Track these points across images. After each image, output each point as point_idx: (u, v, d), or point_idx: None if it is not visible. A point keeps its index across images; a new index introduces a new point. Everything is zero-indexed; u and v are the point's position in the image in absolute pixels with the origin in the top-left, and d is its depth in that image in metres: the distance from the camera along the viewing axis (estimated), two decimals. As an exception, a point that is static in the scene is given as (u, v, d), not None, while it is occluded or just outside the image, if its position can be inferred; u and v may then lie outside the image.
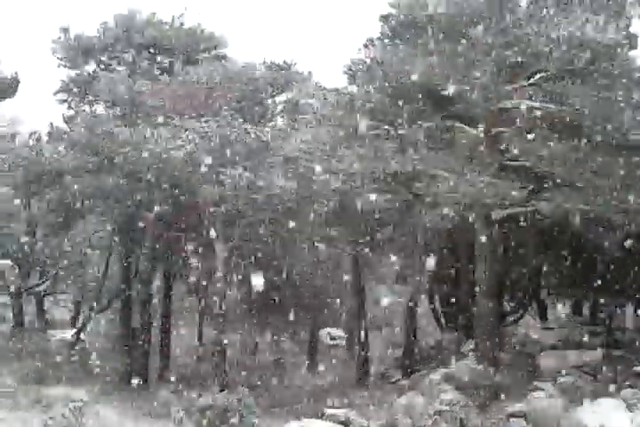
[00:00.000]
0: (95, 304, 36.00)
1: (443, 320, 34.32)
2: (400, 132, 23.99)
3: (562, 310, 35.15)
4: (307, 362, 36.71)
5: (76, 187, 28.27)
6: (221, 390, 23.19)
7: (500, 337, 26.41)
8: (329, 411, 20.59)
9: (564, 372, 23.05)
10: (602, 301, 29.25)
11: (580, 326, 28.79)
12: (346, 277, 34.69)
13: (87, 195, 28.74)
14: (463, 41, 22.21)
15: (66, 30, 32.82)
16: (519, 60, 21.79)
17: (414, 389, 22.78)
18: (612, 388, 21.08)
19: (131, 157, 26.70)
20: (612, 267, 25.86)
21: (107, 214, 31.09)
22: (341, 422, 19.65)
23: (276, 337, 39.38)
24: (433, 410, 18.27)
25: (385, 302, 36.92)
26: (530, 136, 21.89)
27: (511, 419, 18.65)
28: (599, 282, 26.30)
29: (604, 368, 23.54)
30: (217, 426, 20.02)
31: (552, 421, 18.68)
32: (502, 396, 21.32)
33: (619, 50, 20.46)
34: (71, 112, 29.42)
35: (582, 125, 21.50)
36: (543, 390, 20.03)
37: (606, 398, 19.64)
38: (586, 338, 26.52)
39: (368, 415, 20.96)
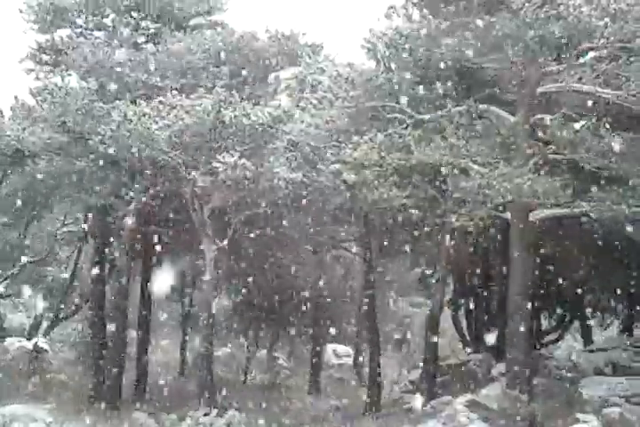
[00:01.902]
0: (61, 309, 36.16)
1: (469, 338, 34.42)
2: (425, 117, 24.05)
3: (609, 330, 35.22)
4: (308, 383, 36.80)
5: (42, 170, 28.36)
6: (207, 414, 23.28)
7: (537, 360, 26.48)
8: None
9: (610, 402, 23.12)
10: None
11: (629, 350, 28.83)
12: (356, 285, 34.84)
13: (56, 180, 28.83)
14: (502, 12, 22.25)
15: (36, -14, 32.78)
16: (567, 35, 21.77)
17: (434, 417, 22.86)
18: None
19: (108, 138, 26.74)
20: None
21: (78, 204, 31.19)
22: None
23: (272, 353, 39.58)
24: (456, 443, 18.36)
25: (401, 314, 37.12)
26: (578, 125, 21.86)
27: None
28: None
29: (657, 399, 23.63)
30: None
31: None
32: (537, 428, 21.45)
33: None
34: (39, 84, 29.32)
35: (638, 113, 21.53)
36: (586, 422, 20.10)
37: (658, 433, 19.76)
38: (637, 364, 26.58)
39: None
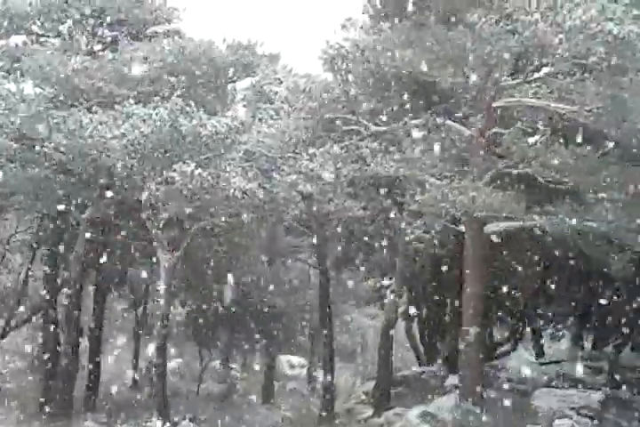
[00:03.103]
0: (12, 317, 35.97)
1: (422, 350, 34.66)
2: (382, 129, 24.30)
3: (560, 342, 35.53)
4: (261, 393, 36.90)
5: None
6: (162, 424, 23.28)
7: (489, 372, 26.75)
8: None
9: (561, 414, 23.40)
10: (607, 333, 29.71)
11: (581, 362, 29.15)
12: (311, 296, 34.94)
13: (9, 187, 28.73)
14: (459, 26, 22.52)
15: (-8, -8, 32.61)
16: (523, 50, 22.12)
17: (387, 428, 23.05)
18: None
19: (63, 146, 26.72)
20: (621, 295, 26.26)
21: (31, 212, 31.11)
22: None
23: (226, 363, 39.61)
24: (409, 454, 18.52)
25: (355, 325, 37.28)
26: (532, 139, 22.20)
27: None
28: (605, 312, 26.70)
29: (608, 411, 23.91)
30: (155, 467, 20.13)
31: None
32: (489, 440, 21.69)
33: (637, 44, 20.72)
34: (-7, 91, 29.24)
35: (593, 129, 21.88)
36: (537, 434, 20.38)
37: (608, 446, 20.06)
38: (587, 376, 26.90)
39: (331, 459, 21.21)
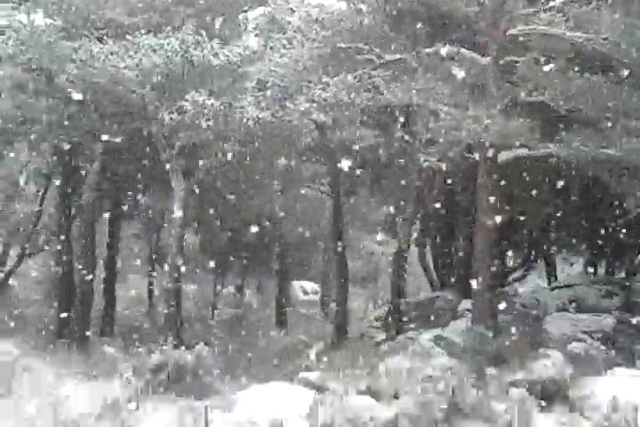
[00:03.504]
0: (28, 245, 36.29)
1: (435, 275, 34.96)
2: (395, 58, 24.22)
3: (573, 268, 35.72)
4: (275, 318, 37.32)
5: (7, 108, 28.26)
6: (176, 347, 23.58)
7: (502, 297, 27.00)
8: (301, 374, 21.10)
9: (573, 338, 23.69)
10: (620, 258, 29.86)
11: (593, 287, 29.34)
12: (324, 223, 35.18)
13: (21, 117, 28.75)
14: (474, -47, 22.40)
15: None
16: (538, -23, 21.99)
17: (400, 352, 23.29)
18: (627, 357, 21.77)
19: (74, 76, 26.70)
20: (634, 221, 26.36)
21: (44, 142, 31.18)
22: (315, 388, 20.08)
23: (239, 289, 40.01)
24: (421, 376, 18.74)
25: (368, 252, 37.46)
26: (547, 68, 22.13)
27: (511, 389, 19.17)
28: (618, 237, 26.81)
29: (620, 335, 24.19)
30: (171, 388, 20.47)
31: (558, 392, 19.29)
32: (502, 363, 21.96)
33: (655, -30, 20.58)
34: (4, 22, 29.07)
35: (609, 57, 21.81)
36: (549, 357, 20.54)
37: (621, 368, 20.34)
38: (600, 300, 27.14)
39: (346, 380, 21.44)
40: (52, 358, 25.14)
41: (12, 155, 32.64)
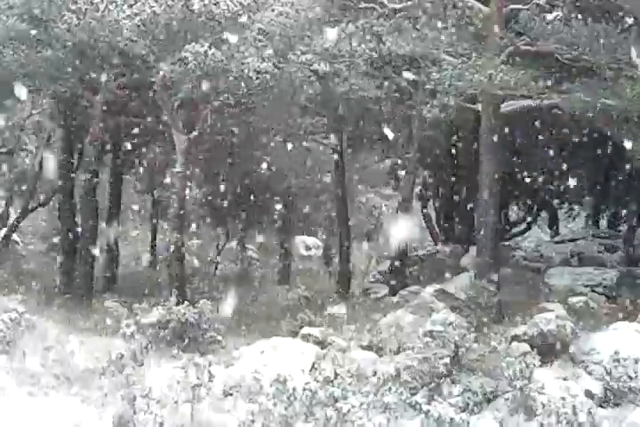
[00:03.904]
0: (30, 199, 36.09)
1: (438, 229, 34.77)
2: (398, 6, 23.87)
3: (576, 221, 35.57)
4: (278, 274, 37.20)
5: (6, 59, 27.90)
6: (179, 303, 23.47)
7: (504, 250, 26.84)
8: (304, 330, 20.98)
9: (575, 291, 23.54)
10: (623, 211, 29.65)
11: (595, 241, 29.22)
12: (326, 177, 34.90)
13: (21, 69, 28.40)
14: None
15: None
16: None
17: (402, 306, 23.22)
18: (629, 311, 21.60)
19: (74, 26, 26.33)
20: (637, 174, 26.13)
21: (44, 94, 30.85)
22: (318, 343, 20.00)
23: (242, 244, 39.85)
24: (423, 331, 18.63)
25: (370, 206, 37.25)
26: (551, 16, 21.80)
27: (514, 343, 19.06)
28: (621, 190, 26.58)
29: (622, 289, 24.03)
30: (174, 343, 20.37)
31: (560, 346, 19.14)
32: (504, 317, 21.84)
33: None
34: (2, -28, 28.67)
35: (613, 5, 21.46)
36: (552, 311, 20.38)
37: (623, 322, 20.13)
38: (602, 254, 26.97)
39: (348, 335, 21.36)
40: (56, 314, 25.07)
41: (11, 106, 32.38)
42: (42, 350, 19.39)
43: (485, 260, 23.84)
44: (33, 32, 27.43)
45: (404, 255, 30.35)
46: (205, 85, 25.68)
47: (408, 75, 24.42)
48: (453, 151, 31.10)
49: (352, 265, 32.89)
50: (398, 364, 17.19)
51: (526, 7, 22.24)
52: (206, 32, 25.67)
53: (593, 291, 24.11)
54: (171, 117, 27.01)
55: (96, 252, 30.92)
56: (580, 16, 21.81)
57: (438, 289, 23.65)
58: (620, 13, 21.93)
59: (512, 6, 22.80)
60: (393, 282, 29.47)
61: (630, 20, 21.47)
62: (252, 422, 14.65)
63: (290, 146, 32.31)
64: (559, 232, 34.29)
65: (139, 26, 25.47)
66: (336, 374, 17.16)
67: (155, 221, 38.78)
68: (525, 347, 18.63)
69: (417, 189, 33.51)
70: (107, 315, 25.28)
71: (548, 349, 19.04)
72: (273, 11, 25.63)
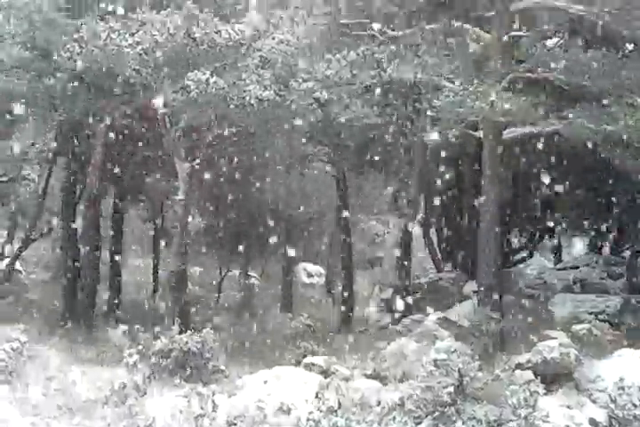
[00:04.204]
0: (33, 228, 36.00)
1: (441, 257, 34.64)
2: (399, 33, 23.91)
3: (578, 248, 35.43)
4: (280, 302, 37.07)
5: (9, 87, 27.95)
6: (181, 332, 23.39)
7: (507, 278, 26.72)
8: (307, 359, 20.90)
9: (579, 319, 23.41)
10: (625, 238, 29.53)
11: (598, 268, 29.10)
12: (328, 205, 34.83)
13: (24, 97, 28.44)
14: None
15: None
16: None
17: (406, 335, 23.12)
18: (633, 338, 21.47)
19: (76, 54, 26.39)
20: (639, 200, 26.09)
21: (47, 122, 30.87)
22: (321, 372, 19.93)
23: (244, 272, 39.72)
24: (427, 359, 18.54)
25: (373, 233, 37.14)
26: (551, 42, 21.84)
27: (517, 371, 18.96)
28: (623, 217, 26.49)
29: (626, 316, 23.91)
30: (177, 372, 20.28)
31: (564, 374, 19.04)
32: (507, 345, 21.71)
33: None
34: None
35: (613, 31, 21.46)
36: (555, 338, 20.31)
37: (627, 349, 20.04)
38: (605, 281, 26.84)
39: (352, 364, 21.28)
40: (59, 343, 25.02)
41: (14, 136, 32.39)
42: (44, 380, 19.37)
43: (488, 287, 23.71)
44: (36, 60, 27.51)
45: (407, 283, 30.25)
46: (207, 113, 25.70)
47: (409, 102, 24.37)
48: (455, 178, 31.05)
49: (355, 293, 32.75)
50: (402, 393, 17.07)
51: (527, 34, 22.28)
52: (208, 60, 25.73)
53: (596, 318, 23.96)
54: (173, 145, 27.01)
55: (98, 280, 30.88)
56: (580, 43, 21.79)
57: (441, 317, 23.56)
58: (620, 40, 21.90)
59: (512, 33, 22.80)
60: (396, 310, 29.33)
61: (630, 47, 21.48)
62: (256, 452, 14.54)
63: (292, 173, 32.32)
64: (562, 259, 34.19)
65: (141, 54, 25.54)
66: (340, 404, 17.09)
67: (157, 248, 38.69)
68: (529, 375, 18.57)
69: (419, 216, 33.41)
70: (109, 344, 25.22)
71: (552, 377, 18.97)
72: (274, 39, 25.70)
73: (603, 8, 20.92)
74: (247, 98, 25.15)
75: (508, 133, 23.33)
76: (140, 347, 21.26)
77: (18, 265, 36.69)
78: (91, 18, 26.66)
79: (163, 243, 37.44)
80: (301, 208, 35.66)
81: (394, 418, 15.40)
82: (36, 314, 30.07)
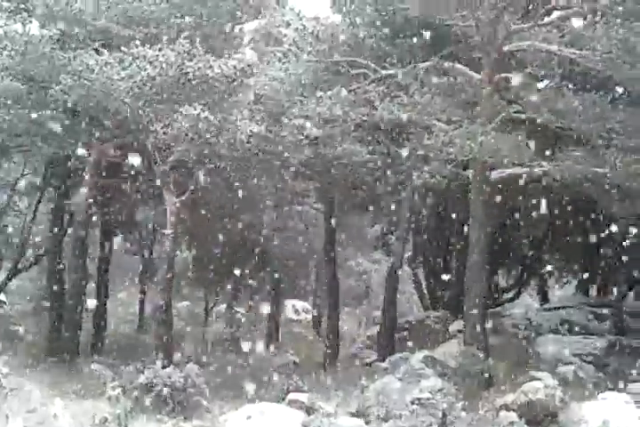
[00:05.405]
0: (19, 260, 35.92)
1: (427, 295, 34.66)
2: (390, 72, 24.05)
3: (565, 289, 35.52)
4: (266, 338, 36.99)
5: (1, 119, 28.02)
6: (165, 366, 23.30)
7: (494, 317, 26.72)
8: (291, 395, 20.84)
9: (564, 360, 23.40)
10: (612, 280, 29.57)
11: (584, 309, 29.13)
12: (316, 241, 34.85)
13: (15, 129, 28.51)
14: (470, -32, 22.25)
15: None
16: (534, -7, 21.86)
17: (391, 373, 23.05)
18: (618, 381, 21.47)
19: (69, 87, 26.49)
20: (627, 242, 26.13)
21: (37, 154, 30.92)
22: (305, 409, 19.88)
23: (231, 307, 39.68)
24: (411, 398, 18.51)
25: (360, 271, 37.15)
26: (541, 85, 21.97)
27: (502, 412, 18.92)
28: (610, 258, 26.54)
29: (611, 358, 23.91)
30: (160, 407, 20.17)
31: (549, 416, 19.00)
32: (492, 385, 21.67)
33: (650, -13, 20.40)
34: (-1, 31, 28.92)
35: (603, 74, 21.62)
36: (540, 380, 20.30)
37: (612, 392, 20.02)
38: (591, 323, 26.85)
39: (336, 401, 21.22)
40: (42, 376, 24.89)
41: (4, 167, 32.44)
42: (25, 413, 19.22)
43: (474, 326, 23.67)
44: (28, 92, 27.59)
45: (393, 321, 30.22)
46: (198, 148, 25.76)
47: (399, 140, 24.48)
48: (444, 217, 31.14)
49: (341, 330, 32.69)
50: (386, 431, 17.05)
51: (517, 75, 22.36)
52: (200, 95, 25.82)
53: (582, 360, 23.98)
54: (162, 179, 27.03)
55: (83, 313, 30.78)
56: (570, 85, 21.95)
57: (427, 355, 23.49)
58: (611, 83, 22.07)
59: (503, 74, 22.94)
60: (381, 347, 29.30)
61: (620, 90, 21.63)
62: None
63: (281, 209, 32.38)
64: (549, 300, 34.22)
65: (133, 88, 25.62)
66: (322, 441, 17.02)
67: (143, 282, 38.64)
68: (513, 416, 18.54)
69: (407, 255, 33.45)
70: (92, 377, 25.08)
71: (537, 418, 18.92)
72: (266, 75, 25.84)
73: (593, 52, 21.06)
74: (238, 133, 25.27)
75: (497, 174, 23.39)
76: (123, 381, 21.19)
77: (2, 297, 36.55)
78: (84, 51, 26.76)
79: (149, 276, 37.42)
80: (290, 244, 35.65)
81: (376, 457, 15.36)
82: (20, 346, 29.95)
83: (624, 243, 26.05)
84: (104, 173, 29.99)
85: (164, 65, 25.38)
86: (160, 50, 25.61)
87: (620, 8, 20.52)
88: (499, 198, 24.44)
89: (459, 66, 23.60)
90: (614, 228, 25.25)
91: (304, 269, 40.09)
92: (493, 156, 21.77)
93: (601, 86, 22.04)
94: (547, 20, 22.26)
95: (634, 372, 22.48)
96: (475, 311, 23.67)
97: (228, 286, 37.92)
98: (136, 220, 36.14)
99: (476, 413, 18.90)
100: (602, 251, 28.45)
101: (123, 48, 26.13)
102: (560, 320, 28.43)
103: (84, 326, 31.24)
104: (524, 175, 23.62)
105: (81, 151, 28.45)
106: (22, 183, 35.01)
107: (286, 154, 26.34)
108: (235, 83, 26.06)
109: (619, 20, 20.86)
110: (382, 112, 23.38)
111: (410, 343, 28.58)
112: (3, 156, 31.49)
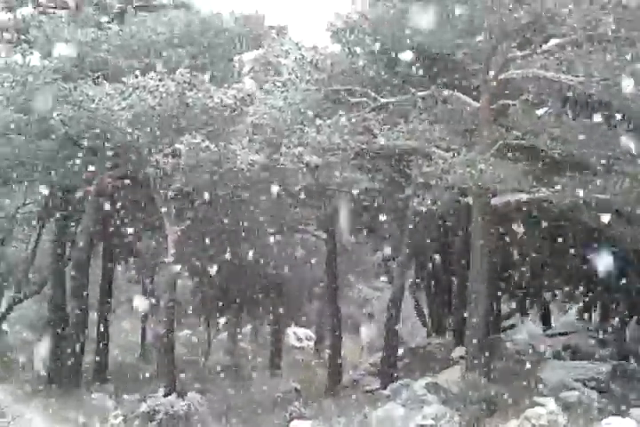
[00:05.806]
0: (21, 289, 35.99)
1: (429, 322, 34.65)
2: (389, 101, 24.16)
3: (568, 314, 35.49)
4: (268, 365, 36.96)
5: (2, 150, 28.17)
6: (167, 395, 23.32)
7: (496, 343, 26.68)
8: (293, 422, 20.87)
9: (567, 386, 23.37)
10: (614, 306, 29.56)
11: (587, 335, 29.12)
12: (318, 269, 34.89)
13: (16, 160, 28.65)
14: (468, -3, 22.41)
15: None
16: (531, 21, 21.93)
17: (393, 399, 23.04)
18: (622, 406, 21.45)
19: (69, 118, 26.67)
20: (629, 268, 26.17)
21: (38, 184, 31.06)
22: (308, 436, 19.95)
23: (233, 335, 39.67)
24: (415, 425, 18.54)
25: (362, 298, 37.12)
26: (540, 111, 22.05)
27: (505, 438, 18.94)
28: (612, 284, 26.52)
29: (614, 383, 23.88)
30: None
31: (552, 442, 19.01)
32: (495, 411, 21.62)
33: (646, 14, 20.49)
34: (0, 62, 29.11)
35: (601, 101, 21.70)
36: (543, 406, 20.29)
37: (615, 418, 19.99)
38: (594, 348, 26.82)
39: (339, 429, 21.25)
40: (43, 404, 24.90)
41: (6, 196, 32.55)
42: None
43: (477, 352, 23.61)
44: (29, 123, 27.75)
45: (395, 347, 30.19)
46: (198, 177, 25.88)
47: (399, 168, 24.57)
48: (445, 244, 31.19)
49: (343, 357, 32.68)
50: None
51: (515, 102, 22.48)
52: (200, 124, 26.01)
53: (585, 385, 23.90)
54: (163, 208, 27.13)
55: (85, 341, 30.80)
56: (569, 111, 22.03)
57: (430, 382, 23.50)
58: (609, 109, 22.12)
59: (501, 101, 23.04)
60: (384, 374, 29.25)
61: (619, 116, 21.68)
62: None
63: (282, 237, 32.44)
64: (551, 325, 34.20)
65: (133, 118, 25.80)
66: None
67: (145, 310, 38.63)
68: (517, 443, 18.50)
69: (409, 281, 33.47)
70: (94, 406, 25.10)
71: (541, 444, 18.91)
72: (266, 104, 25.98)
73: (591, 78, 21.14)
74: (238, 162, 25.41)
75: (496, 200, 23.42)
76: (125, 409, 21.21)
77: (4, 325, 36.60)
78: (84, 81, 26.96)
79: (151, 305, 37.44)
80: (291, 272, 35.69)
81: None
82: (21, 374, 29.97)
83: (626, 268, 26.12)
84: (105, 203, 30.12)
85: (164, 95, 25.64)
86: (160, 80, 25.85)
87: (615, 34, 20.61)
88: (499, 224, 24.48)
89: (457, 94, 23.68)
90: (616, 253, 25.28)
91: (306, 296, 40.09)
92: (493, 182, 21.79)
93: (599, 112, 22.08)
94: (544, 47, 22.32)
95: (637, 396, 22.46)
96: (477, 337, 23.62)
97: (230, 315, 37.95)
98: (137, 248, 36.18)
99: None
100: (603, 277, 28.45)
101: (123, 78, 26.37)
102: (563, 346, 28.41)
103: (86, 355, 31.29)
104: (525, 201, 23.65)
105: (82, 181, 28.64)
106: (24, 213, 35.17)
107: (286, 182, 26.47)
108: (235, 112, 26.29)
109: (615, 47, 20.99)
110: (382, 140, 23.44)
111: (412, 370, 28.60)
112: (4, 185, 31.62)
